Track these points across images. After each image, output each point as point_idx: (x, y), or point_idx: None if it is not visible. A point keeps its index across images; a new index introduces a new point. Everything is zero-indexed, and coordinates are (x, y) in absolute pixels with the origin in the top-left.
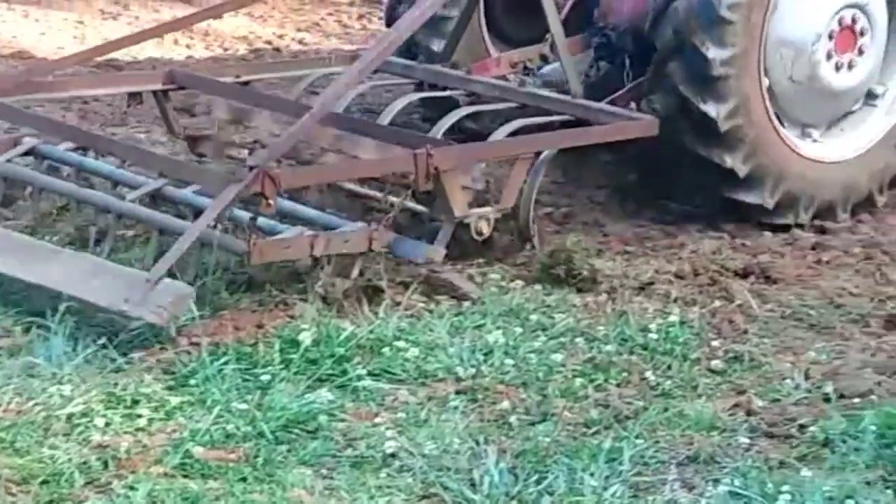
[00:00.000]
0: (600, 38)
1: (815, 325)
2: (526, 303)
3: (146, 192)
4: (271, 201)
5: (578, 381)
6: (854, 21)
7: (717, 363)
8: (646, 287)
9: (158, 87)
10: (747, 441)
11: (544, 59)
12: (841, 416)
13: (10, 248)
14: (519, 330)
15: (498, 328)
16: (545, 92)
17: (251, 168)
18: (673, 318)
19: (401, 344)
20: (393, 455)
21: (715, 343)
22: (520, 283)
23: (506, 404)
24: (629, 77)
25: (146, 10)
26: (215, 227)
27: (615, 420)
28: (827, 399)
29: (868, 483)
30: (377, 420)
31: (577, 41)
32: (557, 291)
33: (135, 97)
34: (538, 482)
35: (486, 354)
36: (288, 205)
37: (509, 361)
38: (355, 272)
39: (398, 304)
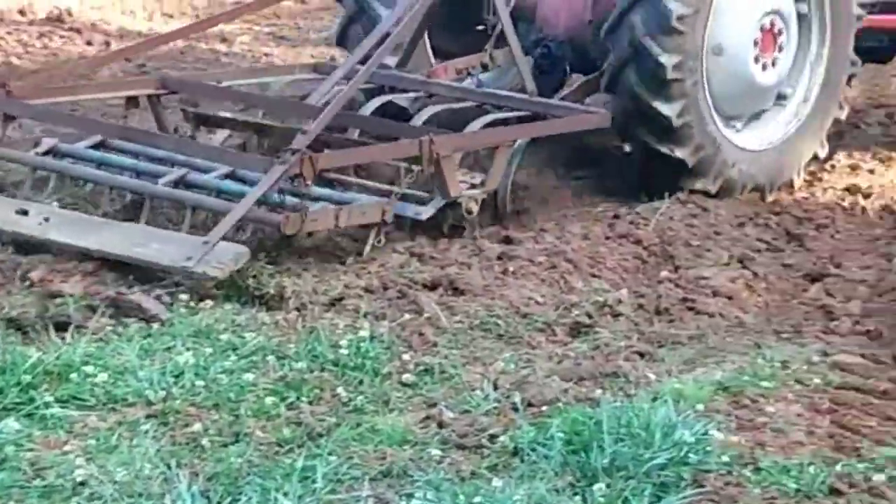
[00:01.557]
0: (542, 49)
1: (502, 335)
2: (216, 322)
3: (173, 178)
4: (309, 181)
5: (270, 399)
6: (773, 25)
7: (408, 376)
8: (336, 303)
9: (152, 91)
10: (439, 453)
11: (484, 67)
12: (529, 425)
13: (62, 221)
14: (209, 350)
15: (188, 349)
16: (504, 92)
17: (293, 152)
18: (363, 333)
19: (89, 369)
20: (83, 483)
21: (406, 356)
22: (209, 302)
23: (197, 426)
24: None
25: None
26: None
27: (308, 438)
28: (515, 408)
29: (557, 490)
30: (66, 448)
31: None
32: (247, 310)
33: (132, 100)
34: None
35: (176, 377)
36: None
37: (200, 383)
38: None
39: (85, 328)
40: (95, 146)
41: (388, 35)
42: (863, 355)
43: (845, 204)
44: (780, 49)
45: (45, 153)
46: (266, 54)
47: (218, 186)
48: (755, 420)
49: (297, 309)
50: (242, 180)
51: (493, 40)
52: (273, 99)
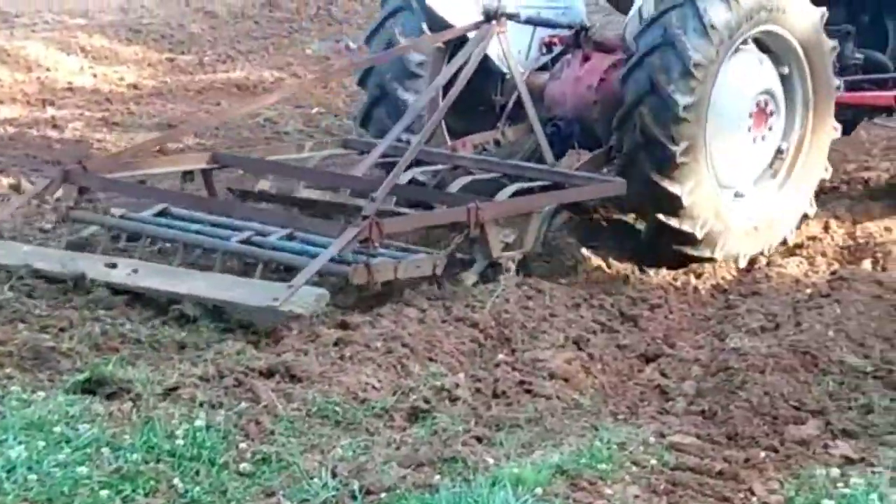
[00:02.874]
0: (551, 128)
1: (340, 421)
2: (48, 414)
3: (243, 237)
4: (377, 244)
5: (104, 493)
6: (765, 103)
7: (245, 466)
8: (171, 392)
9: (204, 165)
10: None
11: (497, 143)
12: None
13: (150, 272)
14: (42, 443)
15: (20, 443)
16: (527, 163)
17: (364, 217)
18: (199, 423)
19: None
20: None
21: (243, 445)
22: (41, 394)
23: None
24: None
25: None
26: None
27: None
28: (354, 496)
29: None
30: None
31: (525, 128)
32: (81, 401)
33: (189, 174)
34: None
35: (8, 471)
36: None
37: (33, 477)
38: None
39: None
40: (157, 214)
41: (420, 114)
42: (698, 435)
43: (678, 284)
44: (772, 123)
45: (120, 217)
46: (98, 140)
47: (282, 246)
48: (594, 503)
49: (132, 399)
50: (301, 241)
51: (505, 118)
52: (319, 172)
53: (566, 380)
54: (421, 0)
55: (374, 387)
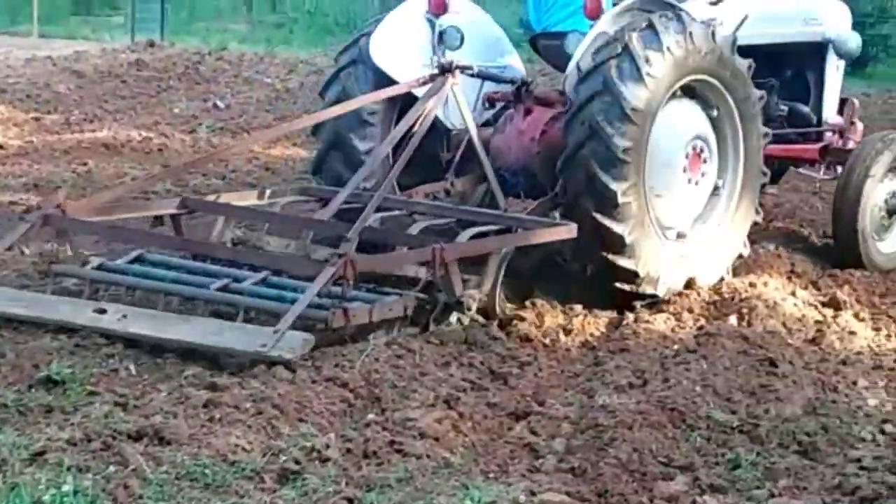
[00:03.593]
0: (498, 178)
1: (210, 483)
2: None
3: (219, 285)
4: (351, 282)
5: None
6: (699, 148)
7: None
8: (38, 457)
9: (174, 210)
10: None
11: (447, 193)
12: None
13: (139, 317)
14: None
15: None
16: (481, 209)
17: (339, 256)
18: (67, 488)
19: None
20: None
21: None
22: None
23: None
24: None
25: None
26: None
27: None
28: None
29: None
30: None
31: (472, 179)
32: None
33: (158, 219)
34: None
35: None
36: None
37: None
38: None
39: None
40: (133, 261)
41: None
42: (568, 493)
43: (546, 341)
44: (705, 167)
45: (97, 268)
46: None
47: (259, 292)
48: None
49: None
50: (276, 286)
51: (453, 171)
52: (287, 217)
53: (436, 439)
54: (369, 57)
55: (243, 448)
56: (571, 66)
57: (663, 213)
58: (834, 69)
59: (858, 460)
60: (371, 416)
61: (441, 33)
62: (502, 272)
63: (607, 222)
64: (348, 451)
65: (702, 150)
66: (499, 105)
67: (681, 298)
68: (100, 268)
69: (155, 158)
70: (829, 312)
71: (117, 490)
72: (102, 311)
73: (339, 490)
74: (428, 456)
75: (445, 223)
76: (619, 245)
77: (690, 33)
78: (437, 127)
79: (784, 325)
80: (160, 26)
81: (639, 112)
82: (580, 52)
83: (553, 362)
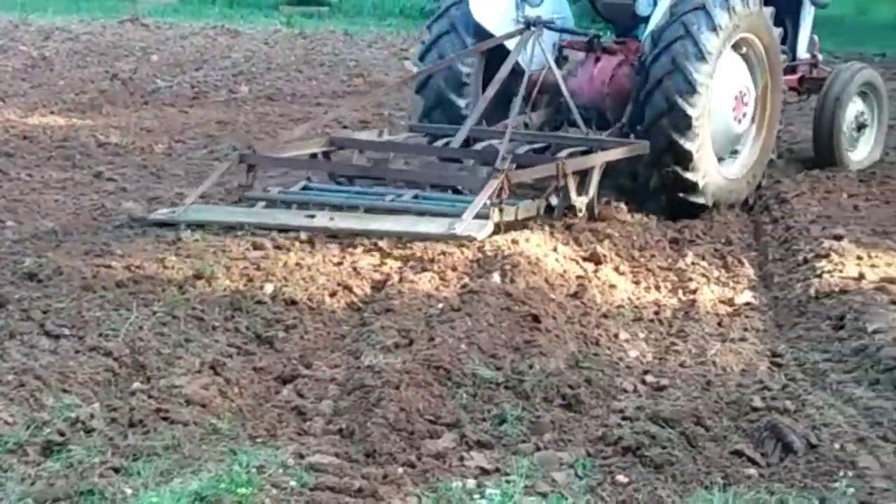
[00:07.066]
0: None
1: None
2: None
3: (391, 198)
4: (507, 192)
5: None
6: (743, 94)
7: None
8: None
9: (325, 148)
10: None
11: (525, 125)
12: None
13: (344, 218)
14: None
15: None
16: (569, 135)
17: (497, 171)
18: None
19: None
20: None
21: None
22: None
23: None
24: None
25: None
26: None
27: None
28: None
29: None
30: None
31: (547, 113)
32: None
33: (314, 155)
34: None
35: None
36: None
37: None
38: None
39: None
40: (303, 189)
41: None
42: (336, 454)
43: (312, 304)
44: (746, 109)
45: (279, 192)
46: None
47: (421, 203)
48: None
49: None
50: (429, 199)
51: (530, 108)
52: (428, 147)
53: (203, 405)
54: (462, 24)
55: (6, 422)
56: (657, 14)
57: (716, 140)
58: (807, 15)
59: (621, 411)
60: (136, 385)
61: None
62: (596, 182)
63: (682, 140)
64: (113, 420)
65: (745, 95)
66: (566, 53)
67: (444, 257)
68: (283, 192)
69: None
70: (590, 267)
71: None
72: (312, 216)
73: (104, 460)
74: (195, 423)
75: (541, 146)
76: (687, 160)
77: None
78: (515, 70)
79: (546, 280)
80: None
81: (711, 55)
82: (661, 8)
83: (319, 325)
